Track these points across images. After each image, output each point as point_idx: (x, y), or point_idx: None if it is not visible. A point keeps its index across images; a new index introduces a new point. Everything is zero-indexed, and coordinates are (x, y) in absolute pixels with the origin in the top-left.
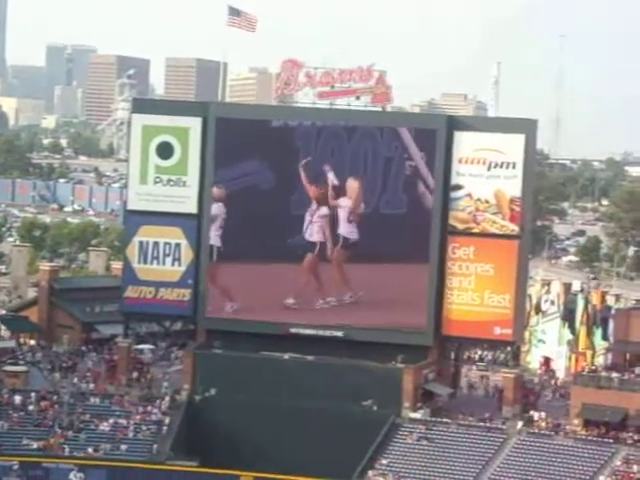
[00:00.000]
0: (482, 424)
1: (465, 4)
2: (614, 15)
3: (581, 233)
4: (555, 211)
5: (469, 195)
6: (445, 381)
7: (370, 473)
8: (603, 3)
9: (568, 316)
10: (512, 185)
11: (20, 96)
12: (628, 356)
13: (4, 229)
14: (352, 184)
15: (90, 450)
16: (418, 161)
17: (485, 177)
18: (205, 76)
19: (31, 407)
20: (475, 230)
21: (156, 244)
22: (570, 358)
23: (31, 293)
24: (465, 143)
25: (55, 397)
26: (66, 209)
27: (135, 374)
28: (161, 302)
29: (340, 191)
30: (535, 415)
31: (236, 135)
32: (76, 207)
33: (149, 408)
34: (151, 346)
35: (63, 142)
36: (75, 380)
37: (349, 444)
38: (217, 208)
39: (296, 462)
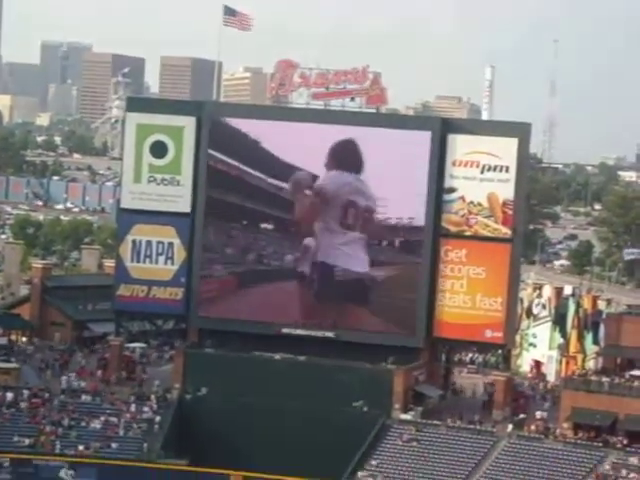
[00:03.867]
0: (472, 427)
1: (461, 6)
2: (608, 22)
3: (573, 237)
4: (547, 215)
5: (462, 198)
6: (436, 383)
7: (359, 474)
8: (598, 11)
9: (559, 320)
10: (505, 188)
11: (14, 93)
12: (619, 360)
13: None
14: None
15: (81, 448)
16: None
17: (478, 180)
18: (200, 75)
19: (22, 404)
20: (468, 233)
21: (149, 243)
22: (561, 362)
23: (23, 290)
24: (459, 146)
25: (46, 394)
26: (57, 207)
27: (126, 372)
28: (153, 301)
29: None
30: (537, 414)
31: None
32: (68, 205)
33: (140, 406)
34: (143, 344)
35: (57, 140)
36: (66, 378)
37: (339, 445)
38: None
39: (286, 462)
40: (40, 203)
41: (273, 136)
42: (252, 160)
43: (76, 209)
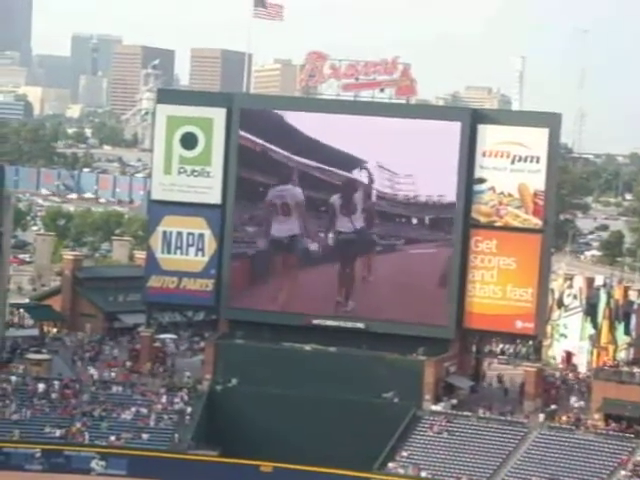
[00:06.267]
0: (503, 418)
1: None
2: (638, 9)
3: (604, 228)
4: (578, 205)
5: (492, 189)
6: (466, 374)
7: (390, 465)
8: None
9: (590, 311)
10: (536, 179)
11: (45, 85)
12: None
13: (28, 218)
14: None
15: (112, 438)
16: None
17: (509, 170)
18: (230, 67)
19: (54, 395)
20: (498, 223)
21: (179, 234)
22: (592, 353)
23: (54, 282)
24: (489, 136)
25: (77, 386)
26: (70, 196)
27: (157, 364)
28: (184, 292)
29: None
30: (572, 400)
31: None
32: (89, 195)
33: (171, 397)
34: (173, 336)
35: (88, 132)
36: (97, 369)
37: (370, 436)
38: None
39: (316, 453)
40: (45, 191)
41: (303, 125)
42: (282, 140)
43: (102, 200)
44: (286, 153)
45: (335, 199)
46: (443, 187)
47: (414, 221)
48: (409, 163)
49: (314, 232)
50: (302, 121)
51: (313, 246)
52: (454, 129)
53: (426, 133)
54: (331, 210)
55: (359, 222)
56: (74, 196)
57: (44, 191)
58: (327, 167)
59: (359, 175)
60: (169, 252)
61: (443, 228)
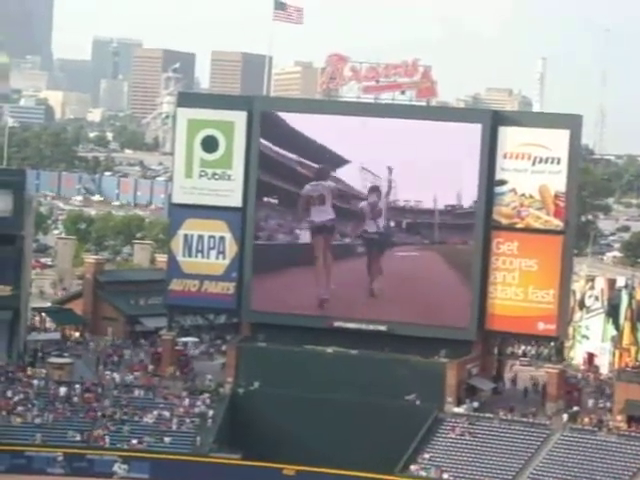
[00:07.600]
0: (525, 419)
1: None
2: None
3: (626, 229)
4: (600, 207)
5: (513, 190)
6: (488, 376)
7: (413, 467)
8: None
9: (612, 312)
10: (557, 180)
11: (66, 90)
12: None
13: (50, 221)
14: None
15: (134, 442)
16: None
17: (530, 172)
18: (250, 70)
19: (75, 399)
20: (519, 225)
21: (201, 237)
22: (614, 354)
23: (76, 286)
24: (510, 138)
25: (99, 389)
26: (77, 198)
27: (179, 367)
28: (205, 295)
29: None
30: (594, 401)
31: None
32: (98, 197)
33: (193, 401)
34: (195, 339)
35: (109, 135)
36: (119, 372)
37: (392, 438)
38: None
39: (338, 456)
40: (51, 193)
41: (323, 129)
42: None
43: (116, 202)
44: (307, 162)
45: (363, 205)
46: (464, 189)
47: (435, 223)
48: (429, 166)
49: (337, 234)
50: (321, 127)
51: (334, 248)
52: (475, 131)
53: (446, 135)
54: (359, 214)
55: (383, 224)
56: (80, 198)
57: (48, 192)
58: (350, 184)
59: (380, 181)
60: (190, 255)
61: (463, 230)
